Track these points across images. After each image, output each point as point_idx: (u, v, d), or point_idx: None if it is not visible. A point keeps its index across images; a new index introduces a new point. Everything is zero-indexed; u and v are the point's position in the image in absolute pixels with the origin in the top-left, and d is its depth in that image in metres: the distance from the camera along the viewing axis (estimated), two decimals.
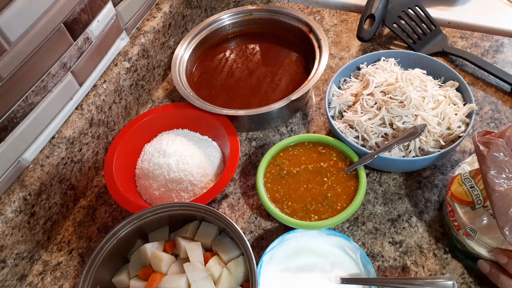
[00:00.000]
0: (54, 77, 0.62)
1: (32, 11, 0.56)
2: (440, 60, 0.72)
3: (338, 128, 0.64)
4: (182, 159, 0.66)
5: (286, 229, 0.61)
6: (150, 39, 0.78)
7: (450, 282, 0.49)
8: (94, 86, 0.70)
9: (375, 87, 0.66)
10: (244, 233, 0.60)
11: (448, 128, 0.62)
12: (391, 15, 0.82)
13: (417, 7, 0.82)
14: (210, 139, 0.73)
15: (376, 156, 0.60)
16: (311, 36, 0.79)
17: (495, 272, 0.51)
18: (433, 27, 0.82)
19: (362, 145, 0.64)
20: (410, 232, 0.61)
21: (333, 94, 0.69)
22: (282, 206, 0.60)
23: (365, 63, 0.72)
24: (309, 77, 0.72)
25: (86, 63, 0.68)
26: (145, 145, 0.73)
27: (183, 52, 0.80)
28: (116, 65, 0.73)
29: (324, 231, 0.58)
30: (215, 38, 0.86)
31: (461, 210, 0.54)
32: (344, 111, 0.68)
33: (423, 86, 0.65)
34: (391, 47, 0.84)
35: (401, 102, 0.63)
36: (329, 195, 0.60)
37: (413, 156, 0.62)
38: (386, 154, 0.61)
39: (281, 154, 0.66)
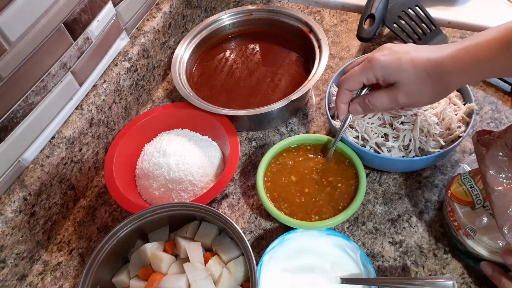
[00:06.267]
0: (54, 77, 0.62)
1: (32, 11, 0.56)
2: None
3: (338, 128, 0.64)
4: (182, 159, 0.66)
5: (286, 229, 0.61)
6: (150, 39, 0.78)
7: (450, 282, 0.49)
8: (94, 86, 0.70)
9: None
10: (244, 233, 0.60)
11: (448, 128, 0.62)
12: (391, 15, 0.82)
13: (417, 7, 0.82)
14: (210, 139, 0.73)
15: (342, 132, 0.60)
16: (311, 36, 0.79)
17: (497, 275, 0.51)
18: (433, 27, 0.82)
19: (362, 145, 0.64)
20: (410, 232, 0.61)
21: (333, 94, 0.69)
22: (282, 206, 0.60)
23: None
24: (309, 77, 0.72)
25: (86, 63, 0.68)
26: (145, 145, 0.73)
27: (183, 52, 0.80)
28: (116, 65, 0.73)
29: (324, 231, 0.58)
30: (215, 38, 0.86)
31: (461, 210, 0.54)
32: None
33: None
34: None
35: None
36: (329, 195, 0.60)
37: (413, 156, 0.62)
38: (386, 154, 0.62)
39: (282, 154, 0.66)
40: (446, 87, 0.51)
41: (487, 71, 0.49)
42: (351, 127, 0.65)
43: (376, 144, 0.63)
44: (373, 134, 0.63)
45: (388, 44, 0.54)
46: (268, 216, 0.65)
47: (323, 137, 0.66)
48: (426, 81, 0.50)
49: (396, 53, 0.52)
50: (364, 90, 0.58)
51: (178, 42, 0.85)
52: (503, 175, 0.47)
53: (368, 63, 0.53)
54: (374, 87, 0.57)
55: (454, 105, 0.65)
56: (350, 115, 0.59)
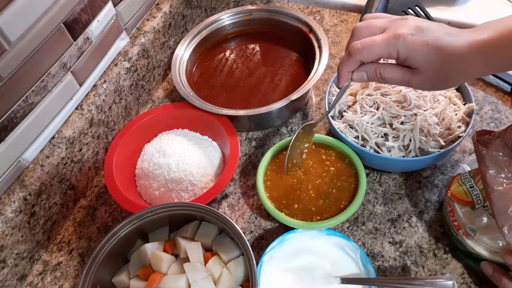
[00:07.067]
0: (54, 77, 0.62)
1: (32, 11, 0.56)
2: None
3: (338, 128, 0.64)
4: (182, 159, 0.66)
5: (286, 229, 0.61)
6: (150, 39, 0.78)
7: (450, 282, 0.49)
8: (94, 86, 0.70)
9: (374, 89, 0.66)
10: (244, 233, 0.60)
11: (448, 128, 0.62)
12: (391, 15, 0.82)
13: (417, 7, 0.82)
14: (210, 139, 0.73)
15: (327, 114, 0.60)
16: (311, 36, 0.79)
17: (498, 275, 0.51)
18: None
19: (362, 145, 0.64)
20: (410, 232, 0.61)
21: (333, 94, 0.69)
22: (282, 206, 0.60)
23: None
24: (309, 77, 0.72)
25: (86, 63, 0.68)
26: (145, 145, 0.73)
27: (183, 52, 0.80)
28: (116, 65, 0.73)
29: (324, 231, 0.58)
30: (215, 38, 0.86)
31: (461, 210, 0.54)
32: (344, 111, 0.68)
33: None
34: None
35: (400, 102, 0.63)
36: (329, 195, 0.60)
37: (413, 156, 0.62)
38: (386, 154, 0.62)
39: (282, 153, 0.66)
40: (463, 74, 0.49)
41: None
42: (351, 127, 0.65)
43: (376, 144, 0.63)
44: (373, 134, 0.63)
45: (413, 18, 0.50)
46: (268, 216, 0.65)
47: (323, 137, 0.66)
48: (447, 71, 0.48)
49: (424, 35, 0.48)
50: None
51: (178, 42, 0.85)
52: (503, 175, 0.47)
53: (395, 39, 0.48)
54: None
55: (454, 105, 0.65)
56: (350, 81, 0.55)
